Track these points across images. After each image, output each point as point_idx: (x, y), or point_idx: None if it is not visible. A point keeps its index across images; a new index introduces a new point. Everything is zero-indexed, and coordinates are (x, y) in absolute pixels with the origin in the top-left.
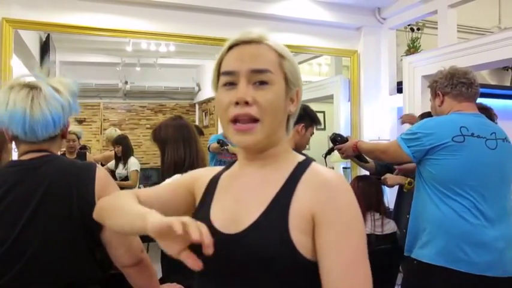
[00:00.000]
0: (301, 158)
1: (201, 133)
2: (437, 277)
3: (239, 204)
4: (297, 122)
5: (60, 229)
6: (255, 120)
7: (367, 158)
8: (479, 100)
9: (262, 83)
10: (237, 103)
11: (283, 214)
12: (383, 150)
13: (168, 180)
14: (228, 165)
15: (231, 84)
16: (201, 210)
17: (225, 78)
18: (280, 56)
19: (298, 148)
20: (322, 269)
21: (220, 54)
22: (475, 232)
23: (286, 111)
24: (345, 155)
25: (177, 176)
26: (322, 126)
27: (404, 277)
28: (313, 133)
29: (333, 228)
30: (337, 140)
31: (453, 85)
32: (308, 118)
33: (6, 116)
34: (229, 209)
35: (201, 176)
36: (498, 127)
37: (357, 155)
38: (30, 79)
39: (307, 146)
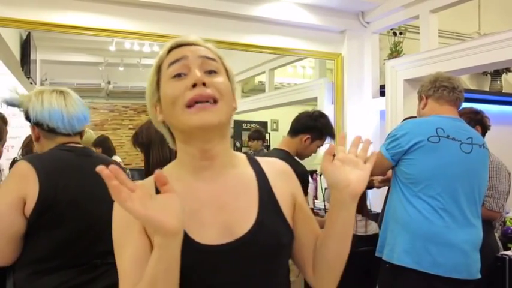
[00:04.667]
0: (241, 154)
1: None
2: (405, 278)
3: (226, 212)
4: (303, 132)
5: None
6: (215, 100)
7: None
8: (467, 104)
9: (212, 72)
10: (194, 85)
11: (275, 207)
12: None
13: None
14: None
15: (180, 75)
16: None
17: (174, 67)
18: (219, 56)
19: (299, 156)
20: (308, 232)
21: (159, 57)
22: (440, 233)
23: (233, 108)
24: None
25: None
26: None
27: (379, 279)
28: (321, 145)
29: (304, 203)
30: None
31: (436, 88)
32: (317, 130)
33: (46, 113)
34: (215, 221)
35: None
36: (476, 133)
37: None
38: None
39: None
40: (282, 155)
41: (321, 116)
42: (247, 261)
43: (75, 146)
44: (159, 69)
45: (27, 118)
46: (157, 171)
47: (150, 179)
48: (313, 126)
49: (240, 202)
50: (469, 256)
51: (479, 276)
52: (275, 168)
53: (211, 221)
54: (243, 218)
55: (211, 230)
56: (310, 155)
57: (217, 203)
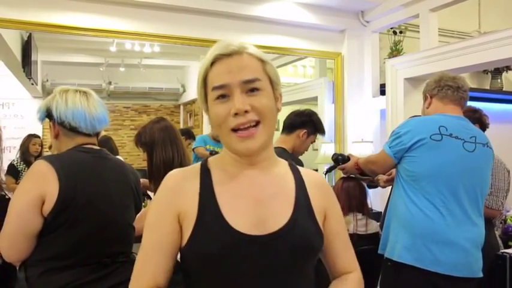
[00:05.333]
0: (283, 160)
1: (193, 137)
2: (406, 275)
3: (262, 206)
4: (300, 127)
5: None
6: (256, 123)
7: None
8: (467, 103)
9: (254, 89)
10: (236, 114)
11: (309, 211)
12: (373, 161)
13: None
14: (205, 169)
15: (224, 97)
16: (207, 219)
17: (217, 92)
18: (262, 62)
19: (295, 152)
20: (334, 248)
21: (204, 69)
22: (441, 231)
23: (277, 111)
24: (348, 174)
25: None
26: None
27: (381, 276)
28: (314, 141)
29: (336, 219)
30: (338, 159)
31: (440, 87)
32: (312, 125)
33: (69, 113)
34: (251, 212)
35: (180, 193)
36: (480, 132)
37: (361, 173)
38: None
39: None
40: (279, 151)
41: (312, 113)
42: (276, 256)
43: (92, 148)
44: (205, 83)
45: (49, 116)
46: None
47: (195, 167)
48: (309, 121)
49: (277, 199)
50: (470, 254)
51: (481, 274)
52: (314, 179)
53: (247, 210)
54: (278, 214)
55: (246, 219)
56: (305, 151)
57: (255, 195)
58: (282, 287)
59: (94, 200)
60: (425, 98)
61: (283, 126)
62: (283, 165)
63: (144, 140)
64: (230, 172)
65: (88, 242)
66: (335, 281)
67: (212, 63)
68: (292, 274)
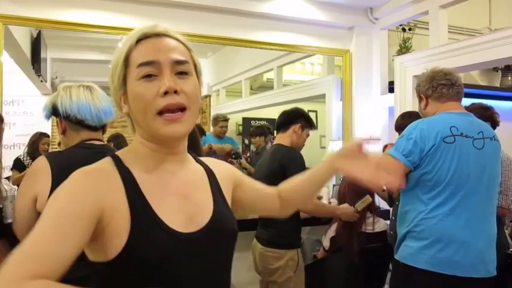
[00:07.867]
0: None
1: (204, 134)
2: (419, 279)
3: (188, 201)
4: (294, 122)
5: None
6: (183, 109)
7: None
8: (477, 100)
9: (183, 73)
10: (165, 93)
11: (223, 198)
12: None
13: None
14: (120, 164)
15: (150, 76)
16: (143, 221)
17: (145, 69)
18: (188, 49)
19: (295, 147)
20: (259, 190)
21: (128, 46)
22: (456, 234)
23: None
24: None
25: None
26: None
27: (391, 276)
28: (308, 135)
29: (244, 177)
30: None
31: (433, 88)
32: (304, 119)
33: (74, 106)
34: (181, 209)
35: (103, 190)
36: (486, 125)
37: None
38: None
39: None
40: (278, 147)
41: (302, 109)
42: (213, 248)
43: (93, 144)
44: (127, 62)
45: (55, 113)
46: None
47: (105, 163)
48: (302, 115)
49: (198, 192)
50: (485, 254)
51: (495, 273)
52: (214, 163)
53: (178, 208)
54: (203, 208)
55: (179, 217)
56: (303, 145)
57: (181, 191)
58: (223, 274)
59: None
60: (420, 98)
61: (278, 126)
62: (191, 158)
63: None
64: (150, 167)
65: None
66: (285, 192)
67: (137, 42)
68: (227, 261)
